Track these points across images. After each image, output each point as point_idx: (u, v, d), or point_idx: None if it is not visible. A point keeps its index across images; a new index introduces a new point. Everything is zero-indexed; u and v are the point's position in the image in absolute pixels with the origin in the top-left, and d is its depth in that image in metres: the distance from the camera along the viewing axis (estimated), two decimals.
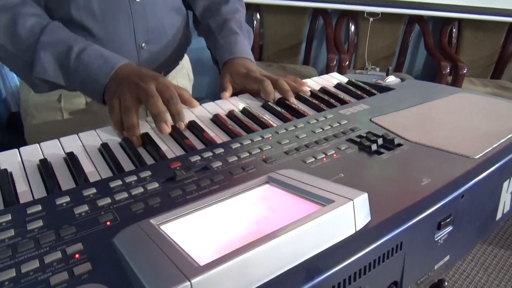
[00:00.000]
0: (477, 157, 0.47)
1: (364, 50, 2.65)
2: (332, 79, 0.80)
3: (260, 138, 0.53)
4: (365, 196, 0.35)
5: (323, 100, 0.69)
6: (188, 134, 0.56)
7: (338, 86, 0.77)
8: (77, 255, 0.32)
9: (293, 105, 0.66)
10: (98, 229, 0.35)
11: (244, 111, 0.64)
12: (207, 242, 0.32)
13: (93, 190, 0.41)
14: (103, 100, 0.63)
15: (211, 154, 0.48)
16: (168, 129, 0.55)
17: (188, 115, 0.61)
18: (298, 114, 0.63)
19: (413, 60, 2.87)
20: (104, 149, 0.52)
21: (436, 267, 0.44)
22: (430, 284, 0.46)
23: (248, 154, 0.48)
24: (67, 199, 0.39)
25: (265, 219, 0.34)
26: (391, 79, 0.78)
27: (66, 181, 0.46)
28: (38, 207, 0.38)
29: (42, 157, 0.49)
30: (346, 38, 2.68)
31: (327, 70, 2.28)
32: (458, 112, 0.61)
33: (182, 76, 0.92)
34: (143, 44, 0.75)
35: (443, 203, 0.40)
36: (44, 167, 0.47)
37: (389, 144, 0.50)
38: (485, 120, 0.58)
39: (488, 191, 0.49)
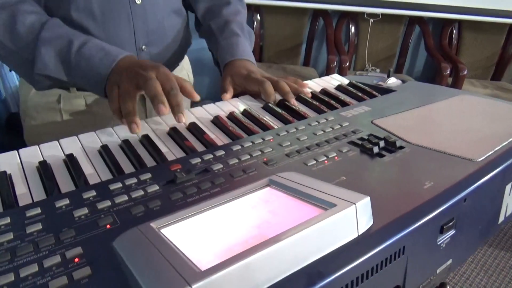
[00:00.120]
0: (479, 160, 0.47)
1: (364, 51, 2.65)
2: (333, 81, 0.80)
3: (261, 140, 0.52)
4: (367, 199, 0.35)
5: (324, 101, 0.69)
6: (188, 135, 0.56)
7: (339, 87, 0.76)
8: (76, 259, 0.32)
9: (294, 107, 0.65)
10: (97, 233, 0.35)
11: (245, 113, 0.64)
12: (208, 246, 0.31)
13: (93, 193, 0.41)
14: (105, 94, 0.63)
15: (212, 156, 0.48)
16: (166, 110, 0.53)
17: (189, 116, 0.61)
18: (299, 116, 0.63)
19: (413, 61, 2.87)
20: (104, 150, 0.51)
21: (438, 271, 0.44)
22: None
23: (249, 156, 0.48)
24: (66, 201, 0.39)
25: (266, 223, 0.34)
26: (392, 81, 0.78)
27: (65, 183, 0.45)
28: (37, 210, 0.38)
29: (42, 159, 0.49)
30: (346, 39, 2.68)
31: (327, 71, 2.28)
32: (460, 114, 0.61)
33: (182, 77, 0.92)
34: (143, 46, 0.75)
35: (445, 207, 0.40)
36: (44, 169, 0.47)
37: (391, 146, 0.50)
38: (487, 122, 0.58)
39: (491, 194, 0.48)
